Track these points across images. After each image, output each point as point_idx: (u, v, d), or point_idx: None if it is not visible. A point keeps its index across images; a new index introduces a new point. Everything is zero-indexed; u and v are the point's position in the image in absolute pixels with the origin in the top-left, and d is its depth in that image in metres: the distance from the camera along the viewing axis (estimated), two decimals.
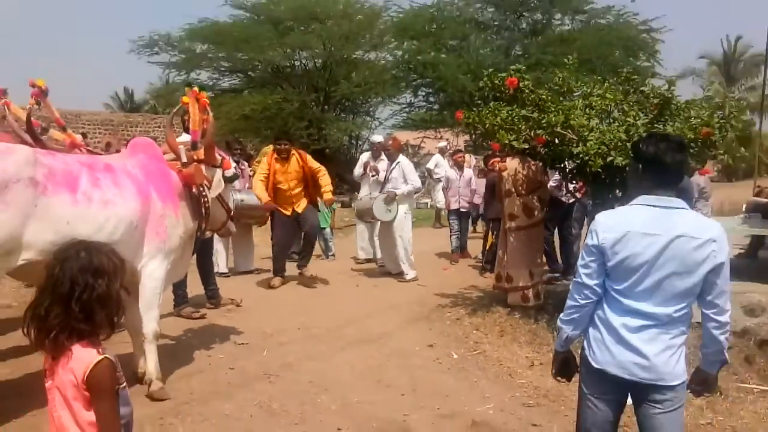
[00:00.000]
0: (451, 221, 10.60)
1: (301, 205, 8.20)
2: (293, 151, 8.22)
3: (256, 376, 5.06)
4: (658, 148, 2.76)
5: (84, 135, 6.21)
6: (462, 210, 10.48)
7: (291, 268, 8.57)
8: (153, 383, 4.57)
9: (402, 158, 9.38)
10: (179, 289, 6.52)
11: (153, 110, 34.56)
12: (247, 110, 21.39)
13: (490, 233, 9.61)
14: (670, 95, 6.53)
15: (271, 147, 9.91)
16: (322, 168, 8.34)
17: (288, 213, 8.14)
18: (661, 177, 2.76)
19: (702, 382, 2.90)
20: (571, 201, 8.64)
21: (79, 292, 2.06)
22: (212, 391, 4.71)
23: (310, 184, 8.22)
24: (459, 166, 10.83)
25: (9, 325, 5.82)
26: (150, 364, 4.64)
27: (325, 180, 8.26)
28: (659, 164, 2.75)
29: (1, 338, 5.54)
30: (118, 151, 10.48)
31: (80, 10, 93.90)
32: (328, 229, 10.48)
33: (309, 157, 8.37)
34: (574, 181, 7.27)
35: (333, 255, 10.53)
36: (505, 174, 7.42)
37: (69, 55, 79.54)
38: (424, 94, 23.39)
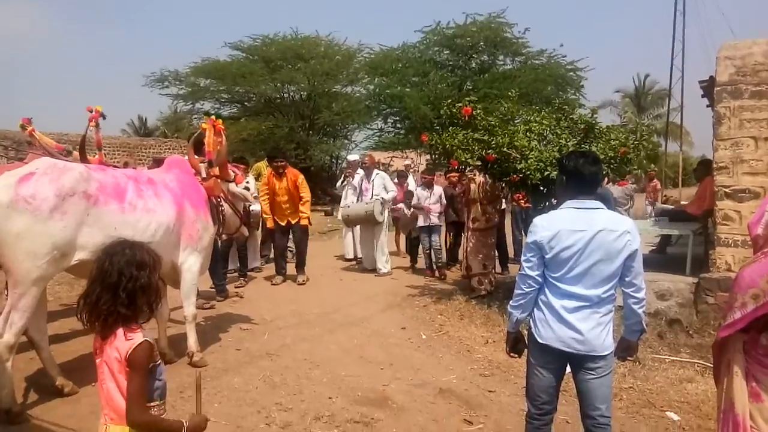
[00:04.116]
0: (422, 237, 9.06)
1: (294, 218, 8.01)
2: (287, 170, 8.00)
3: (260, 355, 5.06)
4: (577, 163, 2.84)
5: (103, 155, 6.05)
6: (432, 225, 8.90)
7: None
8: (194, 354, 4.68)
9: (379, 171, 9.43)
10: None
11: (163, 135, 34.01)
12: (244, 135, 21.25)
13: (447, 234, 9.70)
14: (593, 122, 6.68)
15: (261, 163, 9.87)
16: (306, 195, 8.01)
17: (283, 223, 8.04)
18: (581, 185, 2.84)
19: (626, 348, 2.98)
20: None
21: (126, 282, 2.06)
22: (223, 368, 4.70)
23: (297, 201, 8.00)
24: (428, 185, 9.23)
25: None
26: (191, 339, 4.72)
27: (305, 207, 8.01)
28: (578, 175, 2.84)
29: None
30: (134, 168, 10.33)
31: (101, 49, 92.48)
32: None
33: (300, 180, 8.02)
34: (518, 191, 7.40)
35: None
36: (473, 186, 7.69)
37: (91, 88, 78.27)
38: (392, 121, 23.41)
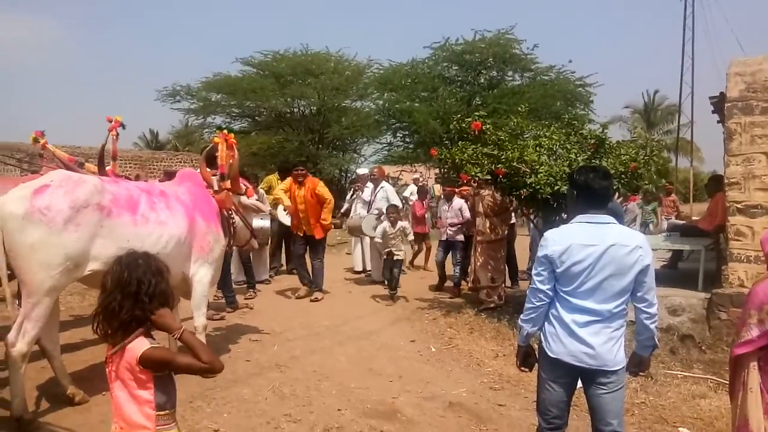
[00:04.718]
0: (438, 251, 8.93)
1: (313, 230, 7.75)
2: (306, 179, 7.82)
3: (269, 366, 5.05)
4: (588, 177, 2.85)
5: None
6: (450, 240, 8.57)
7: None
8: None
9: (385, 184, 9.46)
10: None
11: (174, 148, 34.26)
12: (254, 148, 21.35)
13: None
14: (604, 136, 6.69)
15: (273, 176, 9.91)
16: (328, 199, 7.75)
17: (301, 234, 7.87)
18: (592, 199, 2.85)
19: (638, 364, 2.97)
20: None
21: (146, 287, 2.11)
22: (232, 379, 4.69)
23: (318, 210, 7.71)
24: (448, 197, 8.85)
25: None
26: None
27: (327, 212, 7.77)
28: (589, 189, 2.84)
29: None
30: (145, 181, 10.41)
31: (113, 63, 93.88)
32: None
33: (320, 185, 7.82)
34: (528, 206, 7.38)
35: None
36: (477, 200, 7.70)
37: (103, 101, 79.08)
38: (401, 135, 23.41)
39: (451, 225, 8.53)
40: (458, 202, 8.70)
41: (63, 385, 4.03)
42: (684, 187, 29.03)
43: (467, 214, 8.47)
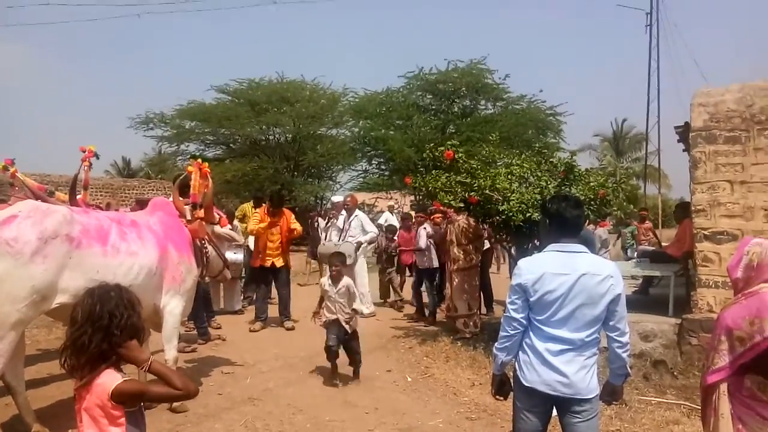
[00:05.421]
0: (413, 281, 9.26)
1: (278, 262, 7.90)
2: (284, 213, 8.03)
3: (242, 400, 4.95)
4: (561, 206, 2.89)
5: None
6: (420, 267, 8.93)
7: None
8: None
9: (359, 212, 9.46)
10: None
11: (147, 176, 33.93)
12: (228, 176, 21.26)
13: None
14: (573, 164, 6.83)
15: (247, 204, 9.94)
16: (298, 225, 8.13)
17: (267, 264, 7.89)
18: (564, 228, 2.88)
19: (611, 393, 2.97)
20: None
21: (117, 320, 2.06)
22: (204, 413, 4.59)
23: (289, 240, 7.93)
24: (420, 225, 9.18)
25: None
26: None
27: (297, 227, 8.08)
28: (561, 218, 2.88)
29: None
30: (117, 210, 10.24)
31: (84, 90, 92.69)
32: None
33: (293, 218, 8.12)
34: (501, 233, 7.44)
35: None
36: (451, 227, 7.73)
37: (74, 128, 77.75)
38: (376, 162, 23.57)
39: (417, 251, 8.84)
40: (420, 230, 8.90)
41: (27, 423, 3.88)
42: (653, 214, 29.58)
43: (421, 241, 8.71)
